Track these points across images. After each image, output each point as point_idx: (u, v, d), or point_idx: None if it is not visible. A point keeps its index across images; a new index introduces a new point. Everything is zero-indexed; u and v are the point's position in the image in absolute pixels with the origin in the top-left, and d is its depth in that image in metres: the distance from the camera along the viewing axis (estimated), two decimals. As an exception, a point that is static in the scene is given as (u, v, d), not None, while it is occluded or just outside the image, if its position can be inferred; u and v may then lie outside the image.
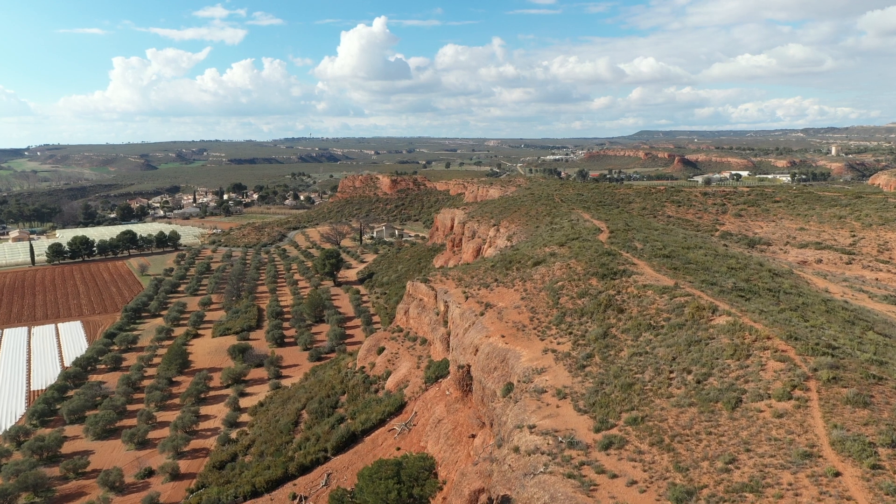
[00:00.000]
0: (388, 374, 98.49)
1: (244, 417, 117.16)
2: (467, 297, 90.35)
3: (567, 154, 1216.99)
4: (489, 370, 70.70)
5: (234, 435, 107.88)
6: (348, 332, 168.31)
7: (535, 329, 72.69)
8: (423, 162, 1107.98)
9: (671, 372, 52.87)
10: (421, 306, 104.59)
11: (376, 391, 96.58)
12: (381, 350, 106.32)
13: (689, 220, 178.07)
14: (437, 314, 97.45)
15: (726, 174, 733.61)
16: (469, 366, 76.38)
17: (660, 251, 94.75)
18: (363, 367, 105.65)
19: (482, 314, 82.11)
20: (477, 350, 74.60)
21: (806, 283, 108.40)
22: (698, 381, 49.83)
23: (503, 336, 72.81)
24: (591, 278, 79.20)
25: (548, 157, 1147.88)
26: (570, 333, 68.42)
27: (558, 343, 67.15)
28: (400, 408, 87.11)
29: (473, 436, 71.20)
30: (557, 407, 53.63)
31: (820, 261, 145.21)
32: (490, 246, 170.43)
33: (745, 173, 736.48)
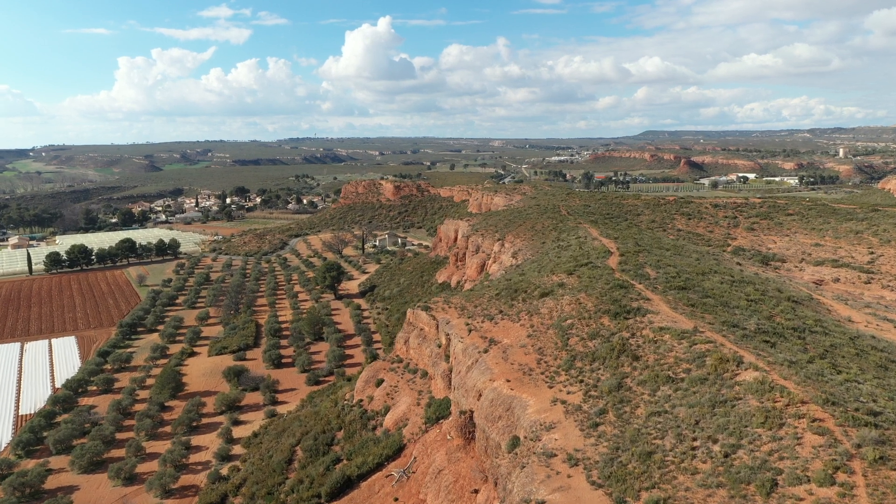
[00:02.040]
0: (387, 409, 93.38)
1: (237, 449, 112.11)
2: (470, 331, 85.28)
3: (572, 155, 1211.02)
4: (493, 419, 65.66)
5: (225, 471, 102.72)
6: (348, 351, 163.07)
7: (542, 374, 67.53)
8: (428, 163, 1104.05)
9: (694, 440, 47.56)
10: (422, 336, 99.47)
11: (374, 428, 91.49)
12: (379, 382, 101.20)
13: (700, 235, 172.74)
14: (439, 347, 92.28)
15: (733, 177, 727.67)
16: (471, 412, 71.30)
17: (674, 280, 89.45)
18: (361, 401, 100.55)
19: (486, 351, 77.08)
20: (480, 395, 69.56)
21: (827, 310, 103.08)
22: (726, 455, 44.48)
23: (508, 381, 67.71)
24: (603, 316, 73.97)
25: (553, 157, 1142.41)
26: (581, 381, 63.26)
27: (568, 392, 61.98)
28: (399, 450, 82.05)
29: (476, 491, 66.11)
30: (569, 477, 48.42)
31: (837, 279, 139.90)
32: (494, 262, 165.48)
33: (751, 175, 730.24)
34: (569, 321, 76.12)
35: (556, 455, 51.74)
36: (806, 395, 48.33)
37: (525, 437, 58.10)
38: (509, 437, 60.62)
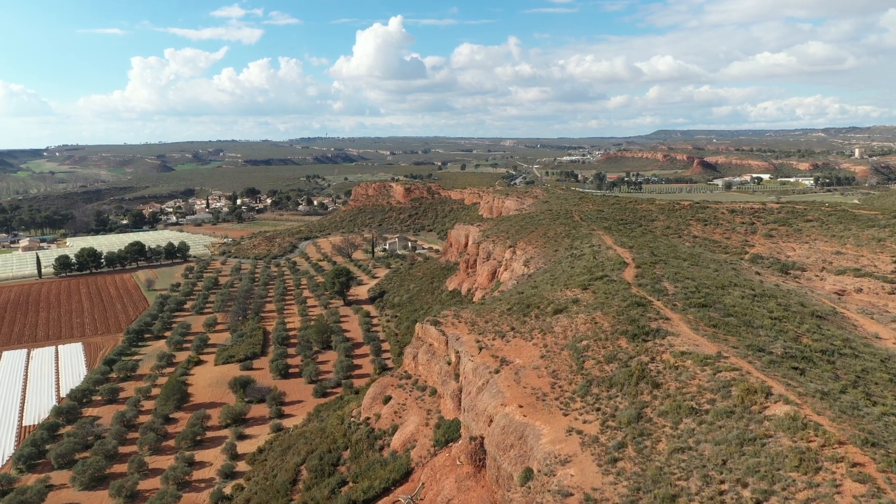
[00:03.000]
0: (395, 428, 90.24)
1: (241, 465, 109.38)
2: (481, 349, 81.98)
3: (584, 155, 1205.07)
4: (505, 447, 62.40)
5: (228, 489, 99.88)
6: (356, 361, 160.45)
7: (556, 399, 64.06)
8: (439, 163, 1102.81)
9: (722, 482, 43.93)
10: (431, 352, 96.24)
11: (381, 449, 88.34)
12: (387, 399, 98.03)
13: (717, 241, 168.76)
14: (449, 364, 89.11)
15: (747, 177, 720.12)
16: (482, 438, 68.04)
17: (694, 296, 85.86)
18: (368, 419, 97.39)
19: (497, 372, 73.79)
20: (491, 420, 66.29)
21: (853, 325, 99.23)
22: (758, 502, 40.92)
23: (521, 406, 64.37)
24: (620, 338, 70.45)
25: (564, 157, 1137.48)
26: (598, 410, 59.68)
27: (584, 421, 58.42)
28: (406, 474, 78.83)
29: (487, 524, 62.87)
30: (586, 521, 45.15)
31: (860, 290, 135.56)
32: (506, 269, 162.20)
33: (766, 176, 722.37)
34: (584, 342, 72.66)
35: (572, 494, 48.50)
36: (843, 434, 44.73)
37: (539, 471, 54.82)
38: (522, 469, 57.39)
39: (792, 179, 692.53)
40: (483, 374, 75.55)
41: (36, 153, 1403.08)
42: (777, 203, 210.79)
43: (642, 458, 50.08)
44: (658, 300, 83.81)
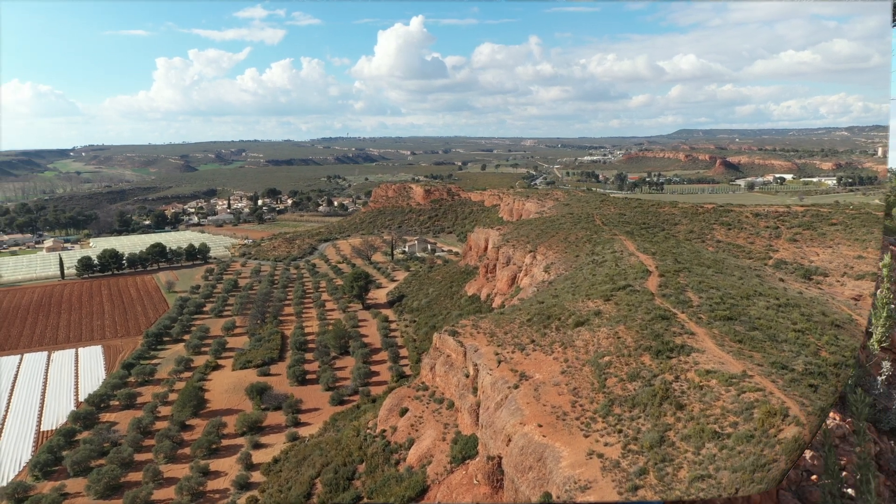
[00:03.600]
0: (411, 442, 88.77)
1: (256, 476, 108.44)
2: (500, 362, 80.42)
3: (605, 154, 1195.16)
4: (523, 469, 60.85)
5: (242, 501, 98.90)
6: (374, 368, 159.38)
7: (577, 419, 62.33)
8: (459, 163, 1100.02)
9: (741, 515, 41.94)
10: (448, 363, 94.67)
11: (397, 463, 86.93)
12: (403, 411, 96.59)
13: (741, 246, 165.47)
14: (467, 377, 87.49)
15: (770, 177, 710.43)
16: (500, 457, 66.45)
17: (718, 308, 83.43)
18: (384, 431, 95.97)
19: (516, 387, 72.24)
20: (510, 440, 64.72)
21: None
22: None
23: (540, 426, 62.75)
24: (644, 354, 68.43)
25: (585, 157, 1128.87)
26: (620, 432, 57.89)
27: (605, 444, 56.66)
28: (422, 492, 77.28)
29: (504, 548, 61.27)
30: (606, 555, 43.33)
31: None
32: (526, 275, 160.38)
33: (789, 176, 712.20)
34: (606, 358, 70.74)
35: (592, 524, 46.68)
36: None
37: (558, 497, 53.23)
38: (541, 493, 55.87)
39: (815, 179, 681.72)
40: (502, 388, 73.98)
41: (63, 153, 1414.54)
42: (802, 206, 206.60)
43: (663, 487, 48.34)
44: (682, 312, 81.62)
